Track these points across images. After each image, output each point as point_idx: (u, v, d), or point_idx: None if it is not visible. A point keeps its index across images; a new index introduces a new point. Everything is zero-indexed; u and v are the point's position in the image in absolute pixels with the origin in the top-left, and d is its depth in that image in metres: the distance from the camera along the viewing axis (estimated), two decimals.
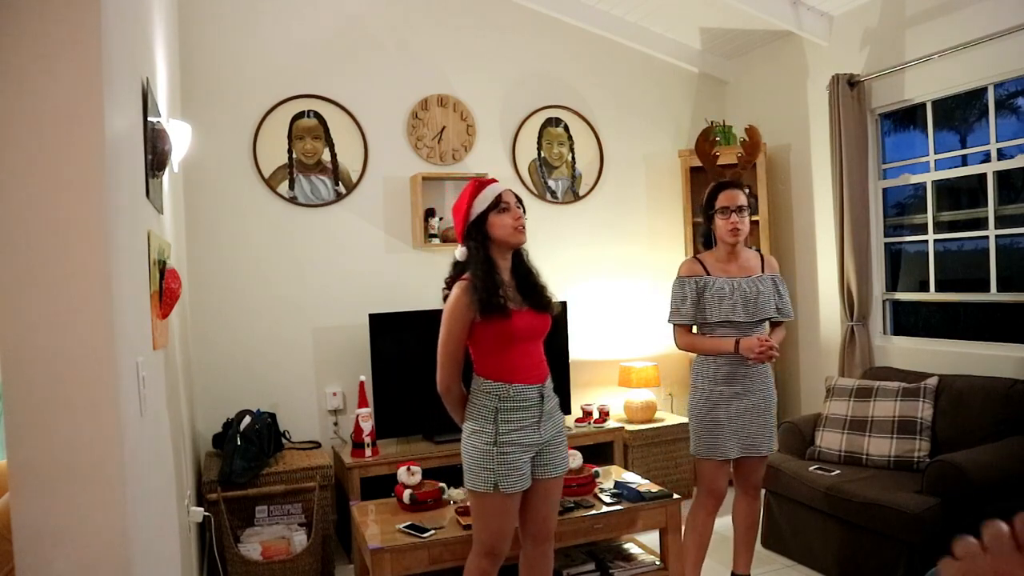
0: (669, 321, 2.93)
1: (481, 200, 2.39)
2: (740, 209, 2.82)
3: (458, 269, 2.46)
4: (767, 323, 2.94)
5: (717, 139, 4.45)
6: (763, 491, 3.54)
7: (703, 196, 2.97)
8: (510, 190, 2.44)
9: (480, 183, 2.44)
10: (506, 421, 2.35)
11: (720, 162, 3.36)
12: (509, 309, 2.33)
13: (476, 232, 2.39)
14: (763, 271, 2.91)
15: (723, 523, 3.22)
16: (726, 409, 2.81)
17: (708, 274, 2.87)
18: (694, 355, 2.96)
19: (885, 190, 4.15)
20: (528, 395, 2.39)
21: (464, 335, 2.37)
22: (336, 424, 4.06)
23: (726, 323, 2.82)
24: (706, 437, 2.84)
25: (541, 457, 2.43)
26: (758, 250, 3.04)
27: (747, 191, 2.90)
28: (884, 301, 4.16)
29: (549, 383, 2.49)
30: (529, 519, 2.49)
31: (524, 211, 2.45)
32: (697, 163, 4.58)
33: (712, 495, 2.89)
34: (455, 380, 2.41)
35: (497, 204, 2.38)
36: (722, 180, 2.97)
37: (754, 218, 4.56)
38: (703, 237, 3.03)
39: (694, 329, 2.91)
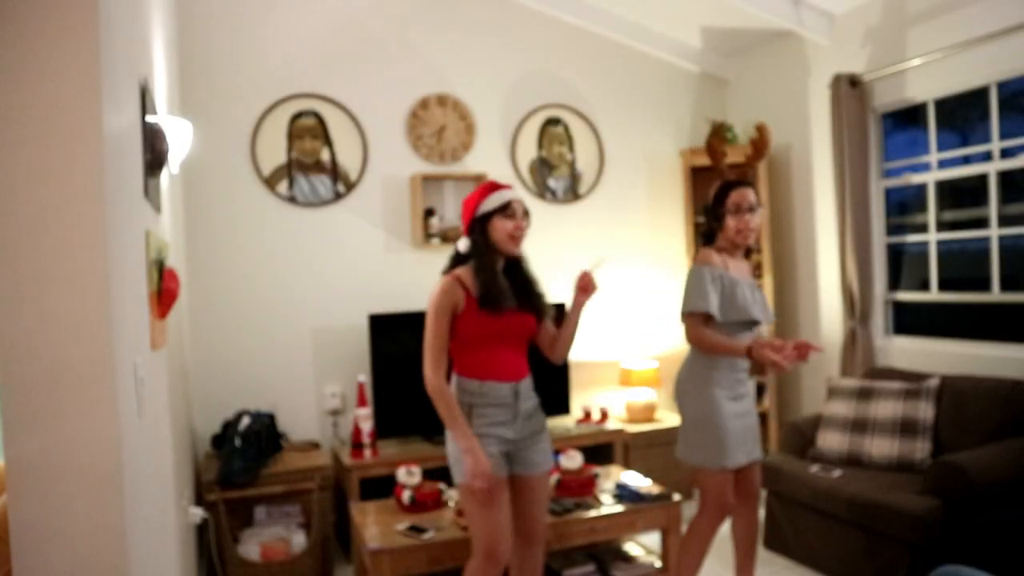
0: (687, 311, 2.67)
1: (491, 200, 2.45)
2: (751, 209, 2.72)
3: (455, 261, 2.53)
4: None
5: (728, 136, 4.44)
6: (761, 505, 3.49)
7: (709, 195, 2.84)
8: (521, 201, 2.49)
9: (496, 185, 2.51)
10: (479, 416, 2.41)
11: (728, 161, 3.24)
12: (503, 304, 2.40)
13: (479, 229, 2.46)
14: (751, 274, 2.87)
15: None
16: (730, 414, 2.68)
17: (727, 269, 2.75)
18: (687, 358, 2.79)
19: (887, 189, 4.15)
20: (501, 392, 2.43)
21: (448, 328, 2.41)
22: (335, 425, 4.05)
23: (748, 323, 2.72)
24: (712, 445, 2.66)
25: (519, 455, 2.48)
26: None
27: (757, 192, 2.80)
28: (886, 301, 4.15)
29: (526, 383, 2.52)
30: (517, 519, 2.52)
31: (528, 224, 2.51)
32: (698, 163, 4.58)
33: (721, 509, 2.71)
34: (443, 375, 2.39)
35: (504, 209, 2.44)
36: (731, 179, 2.84)
37: None
38: (704, 237, 2.91)
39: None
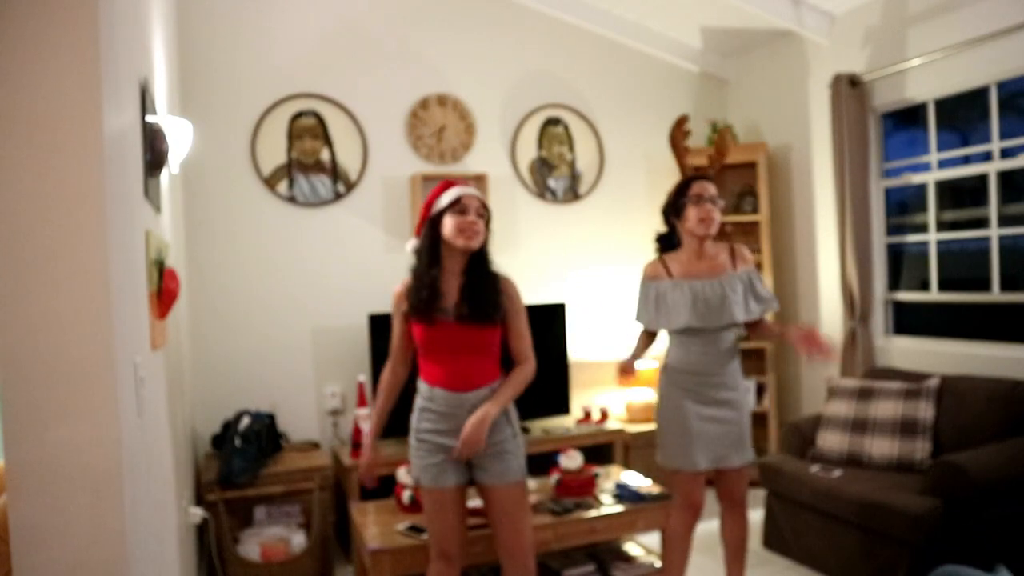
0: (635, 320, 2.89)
1: (444, 198, 2.38)
2: (712, 199, 2.70)
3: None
4: (737, 326, 2.79)
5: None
6: (761, 505, 3.52)
7: (668, 195, 2.85)
8: (476, 197, 2.38)
9: (449, 183, 2.42)
10: (424, 420, 2.42)
11: (691, 162, 3.26)
12: (434, 317, 2.33)
13: (430, 229, 2.39)
14: (735, 267, 2.76)
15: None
16: (694, 417, 2.70)
17: (671, 276, 2.77)
18: (662, 362, 2.87)
19: (887, 189, 4.15)
20: (446, 401, 2.36)
21: (402, 328, 2.47)
22: (335, 425, 4.05)
23: (686, 331, 2.73)
24: (675, 447, 2.74)
25: (479, 463, 2.39)
26: (730, 244, 2.88)
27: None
28: (886, 301, 4.15)
29: (480, 394, 2.36)
30: (494, 533, 2.47)
31: (487, 221, 2.39)
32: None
33: (690, 508, 2.78)
34: (390, 370, 2.55)
35: (455, 204, 2.35)
36: (692, 175, 2.87)
37: (754, 218, 4.56)
38: (661, 240, 2.91)
39: (662, 333, 2.88)
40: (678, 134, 3.11)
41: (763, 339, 3.00)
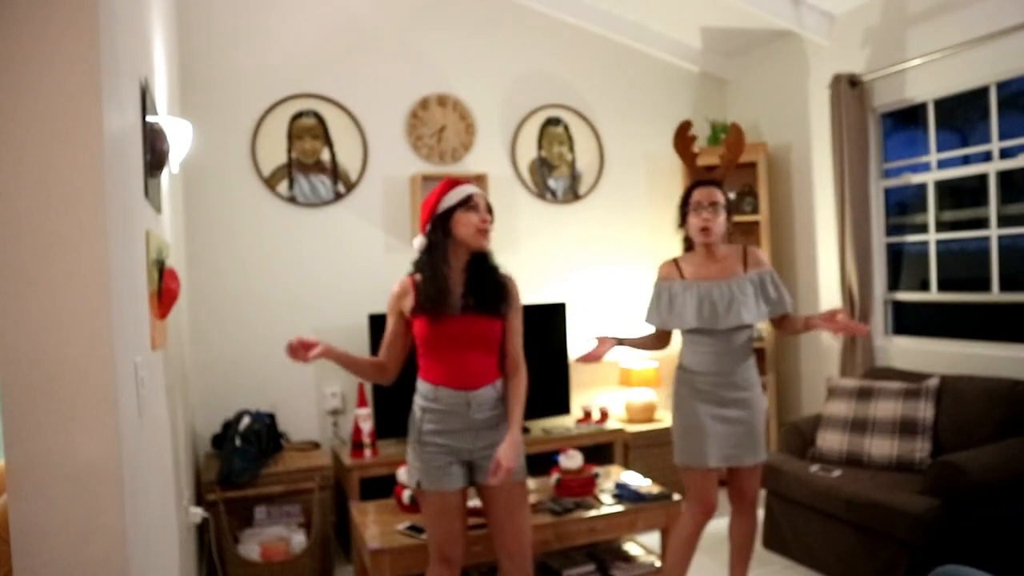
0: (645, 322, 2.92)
1: (452, 196, 2.36)
2: (713, 206, 2.70)
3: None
4: (749, 327, 2.82)
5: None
6: (761, 505, 3.46)
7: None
8: (483, 195, 2.40)
9: (454, 181, 2.42)
10: (428, 422, 2.37)
11: (701, 163, 3.20)
12: (442, 313, 2.31)
13: (439, 227, 2.36)
14: (746, 269, 2.77)
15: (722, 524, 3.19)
16: (707, 417, 2.71)
17: (683, 278, 2.78)
18: (676, 364, 2.88)
19: (886, 189, 4.15)
20: (451, 400, 2.34)
21: (396, 327, 2.45)
22: (335, 425, 4.05)
23: (697, 331, 2.75)
24: (687, 444, 2.75)
25: (480, 464, 2.38)
26: (743, 246, 2.89)
27: (726, 191, 2.80)
28: (885, 301, 4.15)
29: (483, 393, 2.37)
30: (494, 533, 2.45)
31: (492, 219, 2.40)
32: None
33: (702, 506, 2.76)
34: (381, 362, 2.47)
35: (466, 202, 2.34)
36: (699, 179, 2.86)
37: (754, 218, 4.56)
38: (687, 240, 2.94)
39: (676, 334, 2.89)
40: (680, 142, 3.08)
41: (791, 334, 3.06)
